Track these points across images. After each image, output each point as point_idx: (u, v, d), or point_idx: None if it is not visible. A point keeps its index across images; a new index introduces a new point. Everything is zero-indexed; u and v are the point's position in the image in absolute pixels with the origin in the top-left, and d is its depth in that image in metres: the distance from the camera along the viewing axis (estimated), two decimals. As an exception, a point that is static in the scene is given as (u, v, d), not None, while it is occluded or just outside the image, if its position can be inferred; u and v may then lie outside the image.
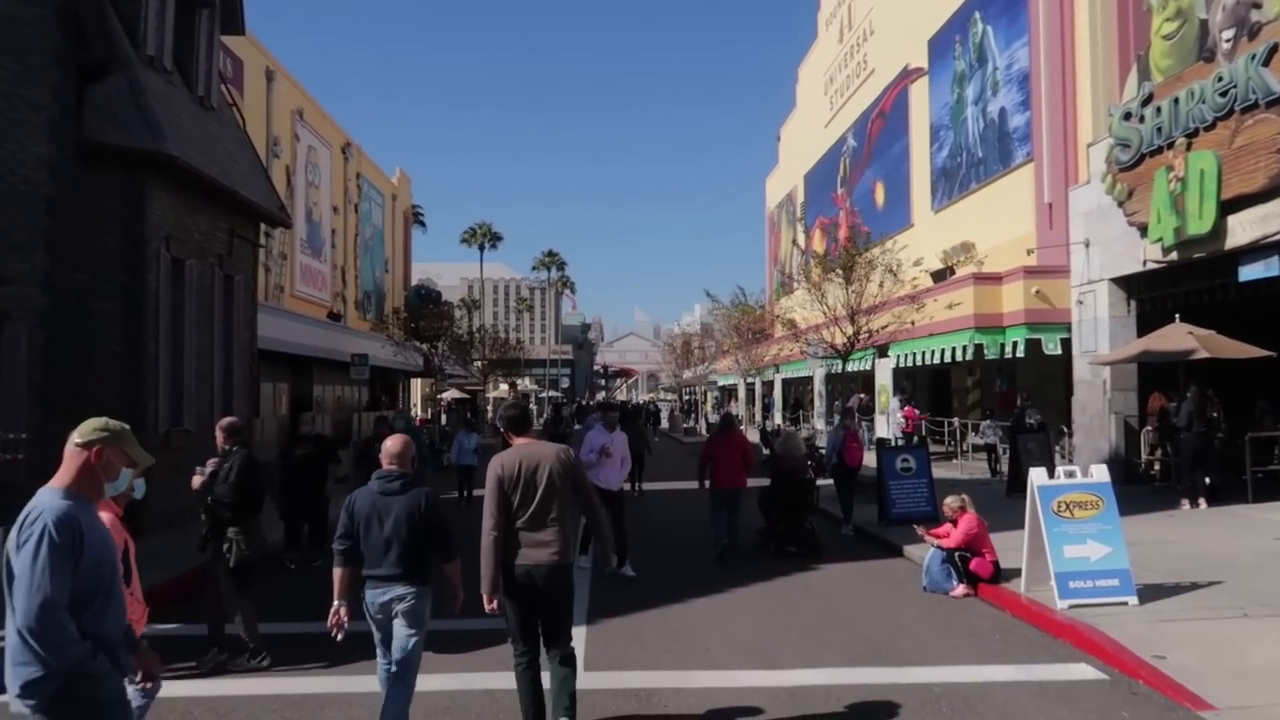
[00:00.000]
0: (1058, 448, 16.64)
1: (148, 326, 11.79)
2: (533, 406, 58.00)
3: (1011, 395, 24.01)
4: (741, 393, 43.82)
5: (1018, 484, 15.39)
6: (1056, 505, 7.89)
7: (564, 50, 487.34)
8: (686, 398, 58.43)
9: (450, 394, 47.67)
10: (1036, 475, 8.07)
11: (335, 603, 4.97)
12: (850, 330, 17.19)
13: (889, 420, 23.05)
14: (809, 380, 35.73)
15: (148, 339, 11.79)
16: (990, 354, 18.86)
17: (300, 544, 10.97)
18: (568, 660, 5.08)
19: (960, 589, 8.70)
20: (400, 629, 4.85)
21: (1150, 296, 15.55)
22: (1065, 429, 17.46)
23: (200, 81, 14.05)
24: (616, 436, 10.26)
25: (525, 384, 76.33)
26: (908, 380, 26.65)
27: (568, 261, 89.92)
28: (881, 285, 17.08)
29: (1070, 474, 8.16)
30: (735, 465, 10.64)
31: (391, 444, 5.06)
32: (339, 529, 4.97)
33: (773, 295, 44.65)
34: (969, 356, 19.25)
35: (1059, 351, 17.90)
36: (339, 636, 4.97)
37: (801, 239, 43.92)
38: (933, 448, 23.07)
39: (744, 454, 10.82)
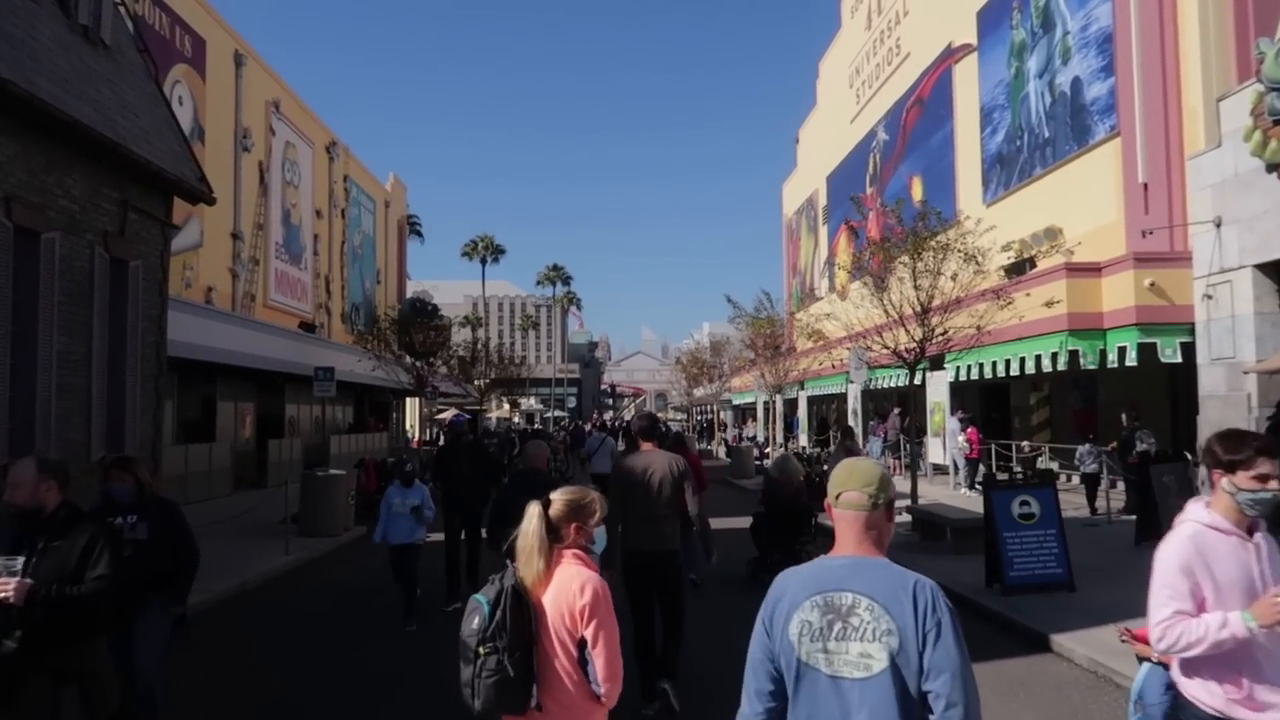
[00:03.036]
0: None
1: (-32, 319, 8.43)
2: (538, 426, 54.52)
3: (1091, 414, 20.47)
4: (761, 412, 40.29)
5: (1151, 529, 11.91)
6: None
7: (569, 65, 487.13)
8: (700, 417, 54.70)
9: (450, 413, 44.38)
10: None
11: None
12: (919, 334, 13.68)
13: (945, 444, 19.48)
14: (836, 398, 32.21)
15: (-33, 337, 8.42)
16: (1089, 363, 15.27)
17: None
18: (673, 632, 6.09)
19: (1203, 737, 5.20)
20: None
21: (1314, 285, 12.12)
22: (1189, 456, 13.91)
23: (83, 7, 10.77)
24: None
25: (530, 403, 72.97)
26: (956, 397, 23.07)
27: (573, 277, 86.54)
28: (955, 277, 13.58)
29: None
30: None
31: (531, 448, 7.74)
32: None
33: (791, 306, 41.20)
34: (1061, 366, 15.66)
35: (1178, 359, 14.39)
36: None
37: (824, 246, 40.53)
38: (998, 476, 19.59)
39: (696, 470, 10.75)
